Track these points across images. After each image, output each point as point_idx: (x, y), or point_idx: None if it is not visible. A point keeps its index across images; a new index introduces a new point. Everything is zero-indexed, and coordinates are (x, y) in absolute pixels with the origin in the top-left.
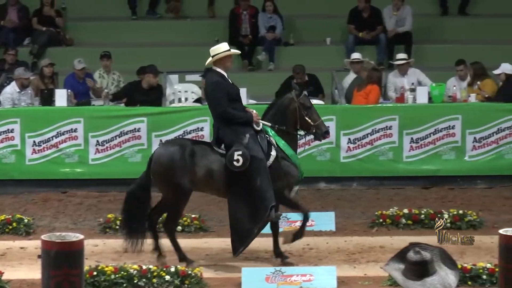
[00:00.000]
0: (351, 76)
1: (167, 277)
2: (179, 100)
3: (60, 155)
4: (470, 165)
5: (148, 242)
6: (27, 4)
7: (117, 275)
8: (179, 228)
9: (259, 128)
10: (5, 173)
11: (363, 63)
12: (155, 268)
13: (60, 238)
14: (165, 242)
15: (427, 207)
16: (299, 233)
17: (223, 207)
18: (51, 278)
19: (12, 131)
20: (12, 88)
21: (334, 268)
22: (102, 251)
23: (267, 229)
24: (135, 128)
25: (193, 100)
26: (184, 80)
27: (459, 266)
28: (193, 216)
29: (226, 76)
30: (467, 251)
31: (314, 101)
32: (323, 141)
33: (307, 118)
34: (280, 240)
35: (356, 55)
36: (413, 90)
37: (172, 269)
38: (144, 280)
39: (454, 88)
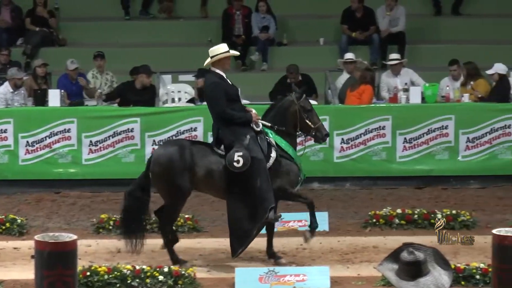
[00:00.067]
0: (344, 76)
1: (161, 278)
2: (172, 100)
3: (54, 155)
4: (464, 165)
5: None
6: (20, 5)
7: (110, 276)
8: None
9: (258, 129)
10: None
11: (356, 63)
12: (148, 268)
13: (54, 238)
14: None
15: (420, 207)
16: (312, 224)
17: (216, 207)
18: (44, 278)
19: (5, 131)
20: (5, 88)
21: (328, 268)
22: (96, 251)
23: (262, 229)
24: (128, 128)
25: (187, 100)
26: (177, 80)
27: (453, 266)
28: (186, 216)
29: (225, 77)
30: (460, 251)
31: None
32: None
33: (307, 121)
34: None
35: (349, 55)
36: (406, 90)
37: (166, 269)
38: (137, 280)
39: (447, 88)
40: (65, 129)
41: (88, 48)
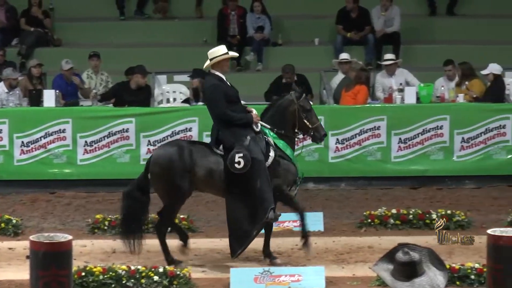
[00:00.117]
0: (339, 77)
1: (156, 278)
2: (168, 101)
3: (49, 156)
4: (458, 165)
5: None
6: (15, 5)
7: (105, 276)
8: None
9: (257, 129)
10: None
11: (351, 63)
12: (143, 268)
13: (49, 238)
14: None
15: (415, 207)
16: (303, 235)
17: (211, 207)
18: (39, 278)
19: (0, 131)
20: (0, 89)
21: (323, 268)
22: (91, 252)
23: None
24: (123, 129)
25: (182, 100)
26: (172, 80)
27: (448, 266)
28: (181, 216)
29: (225, 79)
30: (455, 251)
31: None
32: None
33: (305, 121)
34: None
35: (344, 56)
36: (401, 91)
37: (161, 270)
38: (132, 280)
39: (442, 88)
40: (60, 130)
41: (83, 48)
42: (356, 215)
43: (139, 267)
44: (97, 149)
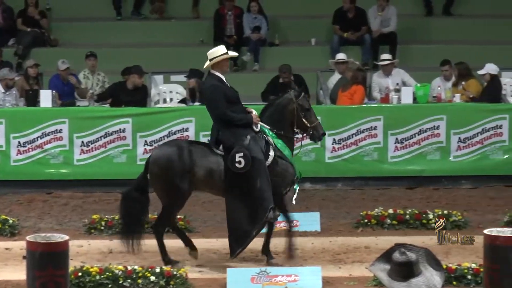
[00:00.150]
0: (336, 77)
1: (152, 278)
2: (164, 101)
3: (45, 156)
4: (455, 165)
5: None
6: (11, 5)
7: (102, 276)
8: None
9: (257, 129)
10: None
11: (348, 63)
12: (140, 269)
13: (45, 239)
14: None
15: (412, 208)
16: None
17: (208, 207)
18: (36, 279)
19: None
20: None
21: (319, 269)
22: (87, 252)
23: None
24: (120, 129)
25: (178, 100)
26: (169, 80)
27: (444, 266)
28: (178, 216)
29: (224, 79)
30: (452, 251)
31: None
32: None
33: (304, 120)
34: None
35: (341, 56)
36: (397, 91)
37: (157, 270)
38: (129, 281)
39: (439, 88)
40: (56, 130)
41: (79, 49)
42: (353, 215)
43: (136, 267)
44: (93, 149)
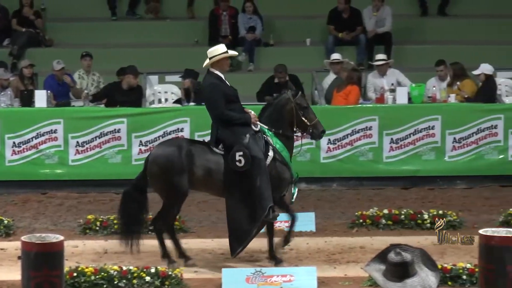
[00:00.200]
0: (331, 77)
1: (148, 278)
2: (159, 101)
3: (40, 156)
4: (450, 166)
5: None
6: (6, 5)
7: (97, 276)
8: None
9: (257, 129)
10: None
11: (343, 63)
12: (135, 269)
13: (40, 239)
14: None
15: (407, 208)
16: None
17: (203, 208)
18: (31, 279)
19: None
20: None
21: (315, 269)
22: (82, 252)
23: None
24: (115, 129)
25: (173, 101)
26: (164, 81)
27: (439, 267)
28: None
29: (223, 78)
30: (447, 251)
31: None
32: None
33: (303, 118)
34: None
35: (336, 56)
36: (392, 91)
37: (153, 270)
38: (124, 281)
39: (434, 88)
40: (51, 130)
41: (74, 49)
42: (348, 215)
43: (131, 267)
44: (88, 149)
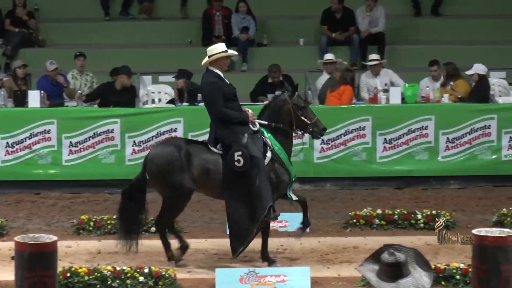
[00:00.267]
0: (324, 77)
1: (141, 278)
2: (153, 101)
3: (33, 156)
4: (443, 166)
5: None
6: None
7: (90, 277)
8: (153, 229)
9: (255, 129)
10: None
11: (336, 63)
12: (129, 269)
13: (34, 239)
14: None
15: (400, 208)
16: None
17: (196, 208)
18: (24, 279)
19: None
20: None
21: (308, 269)
22: (76, 253)
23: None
24: (108, 129)
25: (167, 101)
26: (157, 81)
27: (433, 267)
28: None
29: (223, 76)
30: (440, 251)
31: None
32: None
33: (303, 118)
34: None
35: (329, 56)
36: (386, 91)
37: (146, 270)
38: (117, 281)
39: (427, 88)
40: (45, 130)
41: (67, 49)
42: (342, 215)
43: (125, 267)
44: (82, 149)
